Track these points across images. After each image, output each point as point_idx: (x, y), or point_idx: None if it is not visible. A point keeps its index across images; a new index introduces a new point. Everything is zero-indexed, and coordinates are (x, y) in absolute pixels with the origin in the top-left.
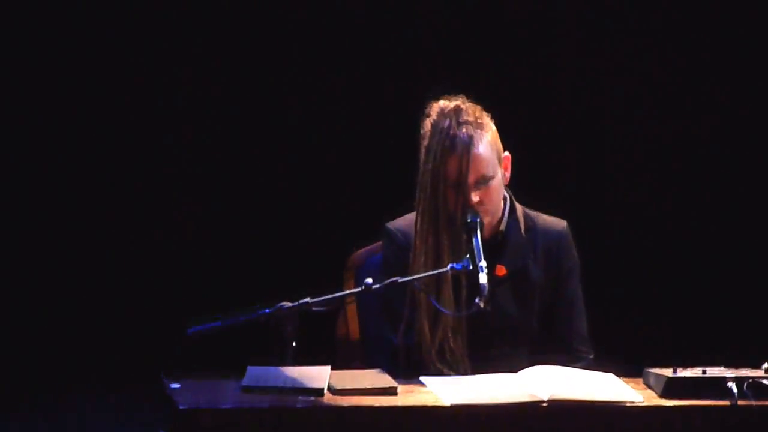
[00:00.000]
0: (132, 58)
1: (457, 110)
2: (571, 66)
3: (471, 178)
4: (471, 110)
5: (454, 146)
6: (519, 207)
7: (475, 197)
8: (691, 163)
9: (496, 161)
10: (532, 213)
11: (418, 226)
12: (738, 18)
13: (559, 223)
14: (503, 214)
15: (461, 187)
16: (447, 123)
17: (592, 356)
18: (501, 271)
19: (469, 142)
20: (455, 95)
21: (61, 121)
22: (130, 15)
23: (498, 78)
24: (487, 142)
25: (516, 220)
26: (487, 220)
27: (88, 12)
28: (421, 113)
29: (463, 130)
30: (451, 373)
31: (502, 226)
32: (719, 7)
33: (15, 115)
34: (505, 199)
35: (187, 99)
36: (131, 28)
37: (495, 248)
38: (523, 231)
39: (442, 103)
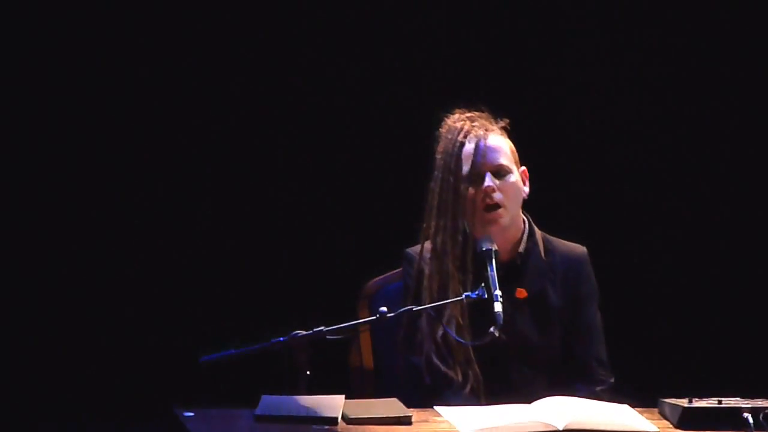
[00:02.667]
0: (153, 87)
1: (471, 116)
2: (588, 91)
3: (486, 166)
4: (485, 117)
5: (468, 140)
6: (538, 231)
7: (490, 181)
8: (711, 192)
9: (512, 160)
10: (552, 238)
11: (430, 239)
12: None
13: (578, 248)
14: (522, 236)
15: (475, 177)
16: (461, 124)
17: (612, 380)
18: (522, 294)
19: (483, 135)
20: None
21: (82, 155)
22: (138, 17)
23: (515, 105)
24: (502, 139)
25: (535, 243)
26: (504, 217)
27: (88, 12)
28: (435, 140)
29: (476, 124)
30: (470, 396)
31: (522, 249)
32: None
33: (15, 125)
34: (524, 222)
35: (204, 129)
36: (145, 33)
37: (515, 271)
38: (542, 254)
39: (456, 114)
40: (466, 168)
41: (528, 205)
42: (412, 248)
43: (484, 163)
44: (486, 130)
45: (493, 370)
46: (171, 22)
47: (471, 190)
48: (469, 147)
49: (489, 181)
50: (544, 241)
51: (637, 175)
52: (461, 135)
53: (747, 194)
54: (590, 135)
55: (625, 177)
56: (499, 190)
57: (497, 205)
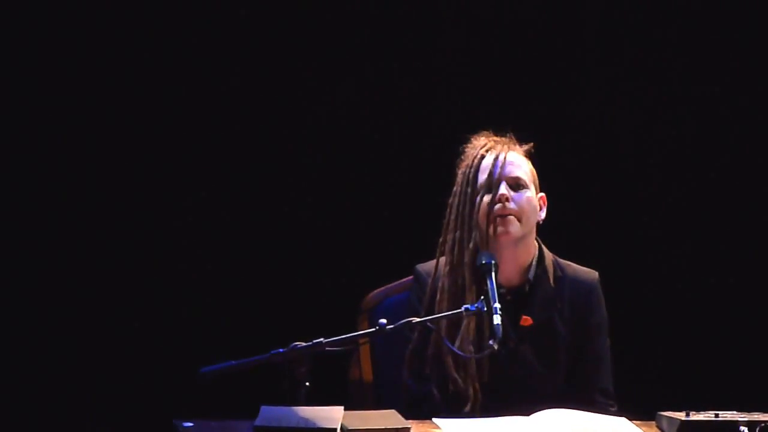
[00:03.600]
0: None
1: (496, 138)
2: (602, 115)
3: (503, 176)
4: (510, 138)
5: (489, 152)
6: (548, 255)
7: (505, 189)
8: (703, 209)
9: (531, 179)
10: (563, 262)
11: (440, 253)
12: None
13: (589, 275)
14: (532, 261)
15: (491, 185)
16: (483, 141)
17: (615, 409)
18: (527, 321)
19: (502, 150)
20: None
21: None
22: (143, 18)
23: (540, 131)
24: (523, 158)
25: (545, 270)
26: (516, 227)
27: (88, 12)
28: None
29: (498, 141)
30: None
31: (531, 275)
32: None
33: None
34: (535, 247)
35: (206, 139)
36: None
37: (522, 297)
38: (552, 281)
39: (482, 135)
40: (482, 178)
41: (542, 229)
42: (423, 265)
43: (501, 173)
44: (506, 146)
45: (495, 399)
46: (166, 20)
47: (486, 198)
48: (488, 159)
49: (504, 189)
50: (555, 266)
51: (630, 192)
52: (483, 149)
53: (744, 215)
54: (609, 160)
55: (617, 190)
56: (514, 201)
57: (510, 215)
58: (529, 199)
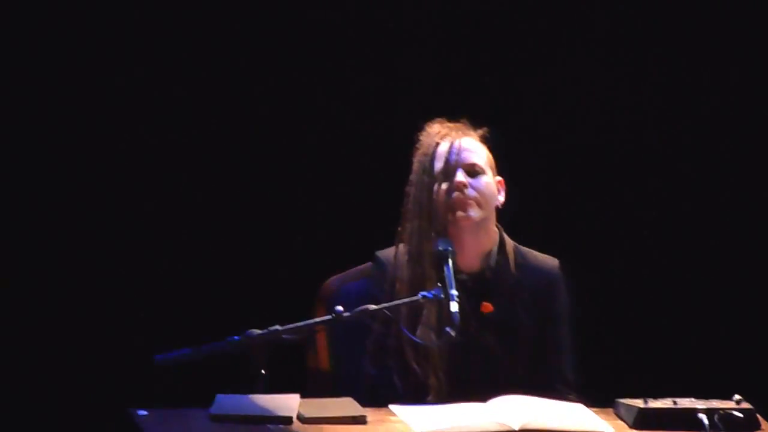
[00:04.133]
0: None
1: (450, 124)
2: (562, 99)
3: (459, 162)
4: (464, 124)
5: (444, 139)
6: (509, 242)
7: (461, 176)
8: (662, 195)
9: (488, 164)
10: (524, 249)
11: (398, 239)
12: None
13: (550, 262)
14: (493, 248)
15: (448, 172)
16: (438, 128)
17: (571, 396)
18: (487, 308)
19: (457, 137)
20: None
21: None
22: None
23: (496, 114)
24: (479, 143)
25: (506, 256)
26: (475, 213)
27: (87, 12)
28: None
29: (452, 128)
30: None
31: (492, 262)
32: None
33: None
34: (496, 233)
35: (164, 130)
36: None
37: (482, 284)
38: (513, 268)
39: (436, 122)
40: (439, 165)
41: (502, 217)
42: (383, 252)
43: (457, 160)
44: (462, 132)
45: (456, 387)
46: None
47: (444, 186)
48: (443, 146)
49: (461, 177)
50: (516, 253)
51: (588, 182)
52: (438, 137)
53: (702, 200)
54: (567, 144)
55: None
56: (472, 187)
57: (466, 203)
58: (487, 184)
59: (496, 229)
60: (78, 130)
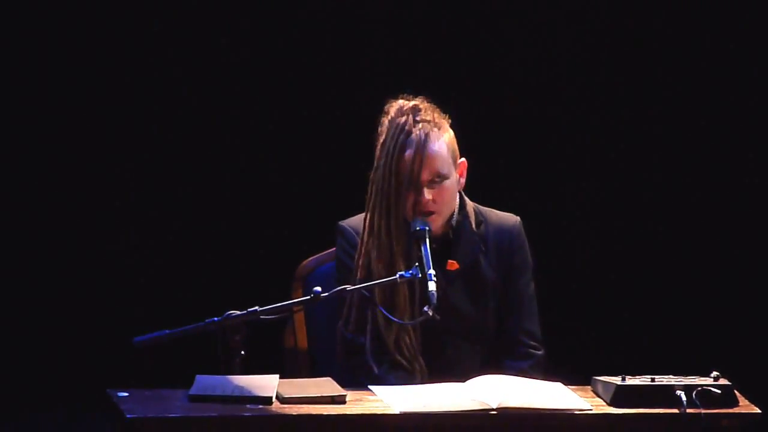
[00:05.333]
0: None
1: (415, 109)
2: (526, 65)
3: (425, 176)
4: (429, 110)
5: (410, 143)
6: (469, 203)
7: (428, 195)
8: (643, 162)
9: (452, 162)
10: (484, 209)
11: (367, 223)
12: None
13: (511, 218)
14: (453, 212)
15: (414, 185)
16: (404, 120)
17: (541, 353)
18: (453, 266)
19: (425, 140)
20: (415, 96)
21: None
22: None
23: (457, 80)
24: (444, 141)
25: (466, 215)
26: (438, 221)
27: (87, 11)
28: (373, 115)
29: (420, 128)
30: (409, 368)
31: (453, 222)
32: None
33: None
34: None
35: (140, 109)
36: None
37: (446, 244)
38: (474, 225)
39: (400, 101)
40: (404, 172)
41: (467, 182)
42: (347, 222)
43: (422, 172)
44: (427, 133)
45: (428, 344)
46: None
47: (410, 197)
48: (409, 153)
49: (426, 194)
50: (476, 212)
51: (575, 148)
52: (403, 135)
53: (684, 166)
54: (529, 107)
55: (563, 149)
56: (435, 197)
57: (431, 212)
58: (449, 190)
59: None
60: (54, 113)
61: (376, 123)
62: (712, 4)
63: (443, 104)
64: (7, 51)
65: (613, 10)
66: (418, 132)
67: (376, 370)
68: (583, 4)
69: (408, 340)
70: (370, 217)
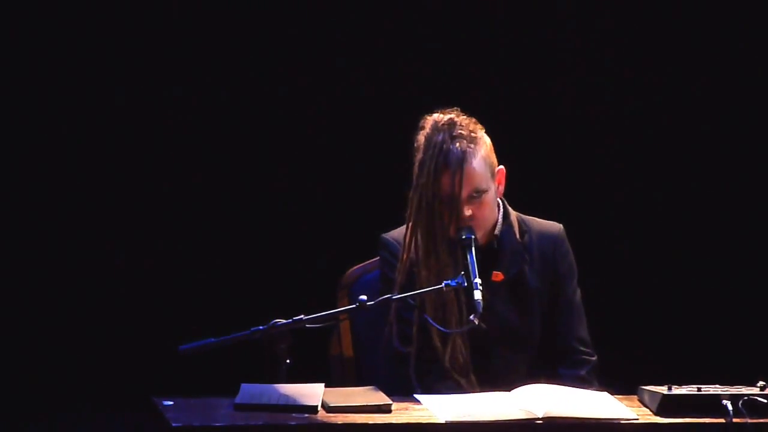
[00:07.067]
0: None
1: (451, 124)
2: (564, 73)
3: (464, 193)
4: (465, 124)
5: (448, 162)
6: (513, 212)
7: (467, 211)
8: (692, 175)
9: (490, 175)
10: (527, 218)
11: (408, 239)
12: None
13: (554, 227)
14: (497, 220)
15: (454, 203)
16: (440, 137)
17: (595, 358)
18: (498, 277)
19: (462, 158)
20: (449, 108)
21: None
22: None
23: (493, 87)
24: (481, 156)
25: (510, 225)
26: (479, 234)
27: (87, 11)
28: (414, 127)
29: (457, 145)
30: (461, 380)
31: (497, 231)
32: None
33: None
34: (498, 205)
35: (182, 119)
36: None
37: (491, 254)
38: (518, 235)
39: (435, 116)
40: (444, 194)
41: (506, 189)
42: (390, 234)
43: (461, 189)
44: (464, 151)
45: (475, 355)
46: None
47: (445, 211)
48: (447, 173)
49: (466, 210)
50: (519, 221)
51: (623, 157)
52: (440, 154)
53: (727, 177)
54: (568, 117)
55: (610, 158)
56: (474, 212)
57: (473, 226)
58: (488, 203)
59: (498, 202)
60: (71, 122)
61: (413, 129)
62: None
63: (479, 113)
64: (7, 51)
65: (660, 17)
66: (455, 150)
67: (417, 386)
68: (625, 10)
69: (461, 359)
70: (411, 235)
